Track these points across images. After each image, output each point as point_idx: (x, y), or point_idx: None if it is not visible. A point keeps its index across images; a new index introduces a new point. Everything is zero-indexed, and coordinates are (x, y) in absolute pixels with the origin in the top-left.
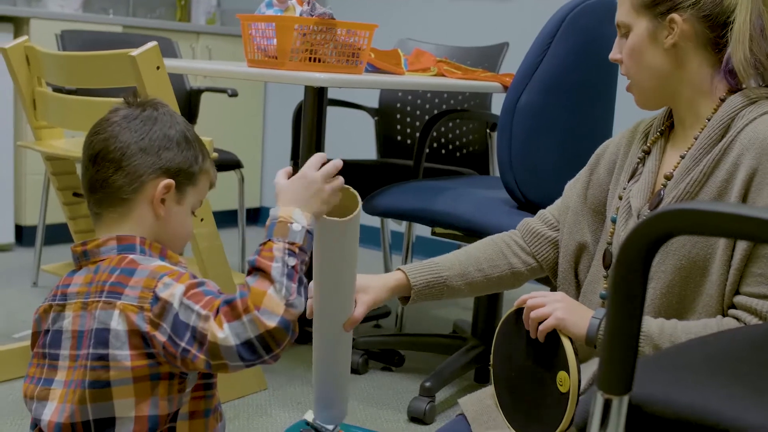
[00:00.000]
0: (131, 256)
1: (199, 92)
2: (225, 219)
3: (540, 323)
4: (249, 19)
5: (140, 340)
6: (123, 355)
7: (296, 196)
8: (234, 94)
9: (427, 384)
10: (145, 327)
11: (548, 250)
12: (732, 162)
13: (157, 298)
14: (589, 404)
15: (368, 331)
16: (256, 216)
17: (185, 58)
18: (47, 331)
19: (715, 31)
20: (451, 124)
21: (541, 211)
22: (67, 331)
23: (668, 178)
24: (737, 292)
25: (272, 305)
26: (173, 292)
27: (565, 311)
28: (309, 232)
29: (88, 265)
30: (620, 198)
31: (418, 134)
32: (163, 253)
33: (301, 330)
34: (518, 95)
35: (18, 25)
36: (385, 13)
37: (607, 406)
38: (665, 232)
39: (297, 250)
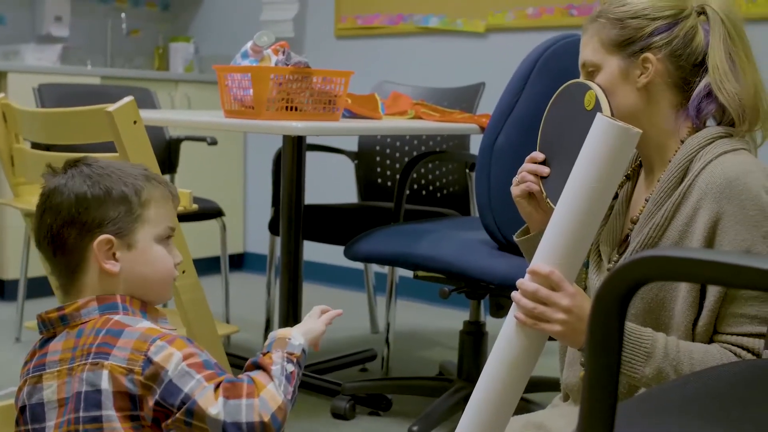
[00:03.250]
0: (116, 318)
1: (178, 141)
2: (209, 266)
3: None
4: (225, 70)
5: (127, 401)
6: (114, 415)
7: (296, 327)
8: (213, 143)
9: (415, 428)
10: (136, 390)
11: None
12: (692, 206)
13: (149, 361)
14: None
15: (354, 375)
16: (240, 262)
17: (164, 106)
18: (23, 408)
19: (684, 72)
20: (430, 165)
21: None
22: (51, 401)
23: (634, 222)
24: (717, 332)
25: (270, 397)
26: (169, 356)
27: (568, 328)
28: (304, 351)
29: (67, 330)
30: None
31: (398, 176)
32: (144, 308)
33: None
34: (495, 136)
35: None
36: (362, 57)
37: None
38: (638, 280)
39: (295, 360)
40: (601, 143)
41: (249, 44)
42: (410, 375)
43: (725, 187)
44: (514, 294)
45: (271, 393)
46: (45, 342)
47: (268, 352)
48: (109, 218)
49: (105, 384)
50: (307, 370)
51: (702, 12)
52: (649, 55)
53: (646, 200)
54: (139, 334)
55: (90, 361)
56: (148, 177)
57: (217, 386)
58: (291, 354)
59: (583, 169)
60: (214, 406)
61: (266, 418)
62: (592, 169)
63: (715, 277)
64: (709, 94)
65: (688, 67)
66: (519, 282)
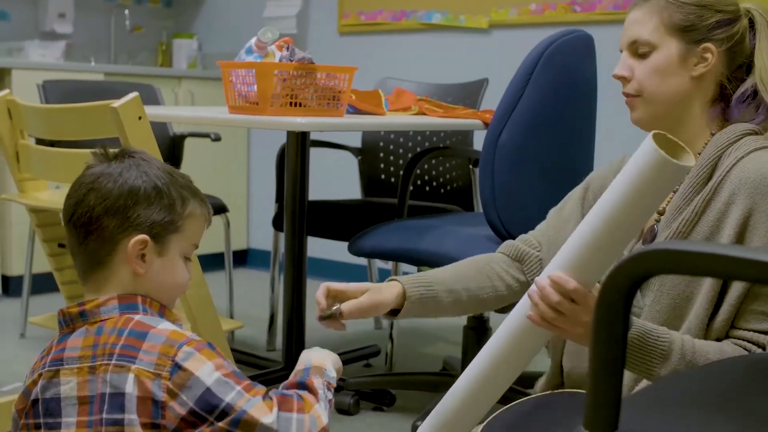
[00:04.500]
0: (137, 317)
1: (182, 137)
2: (212, 262)
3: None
4: (229, 66)
5: (150, 407)
6: (136, 420)
7: (322, 356)
8: (217, 139)
9: (419, 423)
10: (161, 395)
11: (538, 270)
12: (723, 202)
13: (178, 367)
14: None
15: (359, 371)
16: (244, 258)
17: (168, 103)
18: (35, 401)
19: (729, 70)
20: (434, 161)
21: (522, 236)
22: (69, 397)
23: (661, 213)
24: (734, 327)
25: (317, 417)
26: (199, 364)
27: (583, 337)
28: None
29: (86, 327)
30: None
31: (401, 172)
32: (162, 311)
33: None
34: (498, 133)
35: None
36: (365, 53)
37: None
38: (645, 272)
39: (331, 389)
40: (650, 175)
41: (253, 40)
42: (414, 370)
43: (759, 183)
44: (533, 295)
45: (318, 413)
46: (64, 337)
47: (308, 377)
48: (152, 220)
49: (129, 388)
50: None
51: (747, 14)
52: (710, 45)
53: (673, 191)
54: (165, 338)
55: (114, 362)
56: (193, 191)
57: (266, 398)
58: (329, 383)
59: (625, 192)
60: (268, 415)
61: None
62: (634, 196)
63: (717, 270)
64: (751, 94)
65: (734, 67)
66: (540, 285)
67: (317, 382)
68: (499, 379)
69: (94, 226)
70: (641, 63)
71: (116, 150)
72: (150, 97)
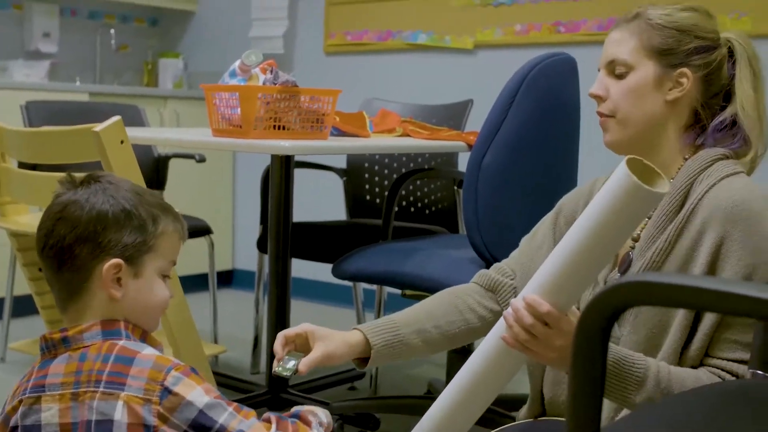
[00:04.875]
0: (120, 343)
1: (167, 159)
2: (197, 283)
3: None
4: (213, 89)
5: None
6: None
7: (313, 408)
8: (202, 160)
9: None
10: (153, 420)
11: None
12: (696, 230)
13: (168, 391)
14: None
15: (343, 394)
16: (229, 278)
17: (153, 123)
18: (15, 428)
19: (705, 98)
20: (419, 182)
21: (496, 264)
22: (51, 424)
23: (636, 240)
24: (708, 356)
25: None
26: (189, 388)
27: (556, 362)
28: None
29: (69, 353)
30: None
31: (386, 193)
32: (144, 336)
33: None
34: (482, 155)
35: None
36: (351, 73)
37: None
38: (622, 304)
39: (323, 429)
40: (623, 201)
41: (237, 63)
42: (399, 393)
43: (730, 211)
44: (507, 317)
45: None
46: (45, 363)
47: (300, 413)
48: (123, 242)
49: (118, 415)
50: (295, 389)
51: (726, 44)
52: (686, 71)
53: (648, 217)
54: (152, 363)
55: (102, 389)
56: (165, 208)
57: (261, 419)
58: (321, 424)
59: (598, 217)
60: None
61: None
62: (608, 221)
63: (690, 302)
64: (729, 124)
65: (710, 95)
66: (515, 308)
67: (310, 417)
68: (476, 402)
69: (67, 255)
70: (617, 83)
71: (82, 175)
72: (135, 117)
